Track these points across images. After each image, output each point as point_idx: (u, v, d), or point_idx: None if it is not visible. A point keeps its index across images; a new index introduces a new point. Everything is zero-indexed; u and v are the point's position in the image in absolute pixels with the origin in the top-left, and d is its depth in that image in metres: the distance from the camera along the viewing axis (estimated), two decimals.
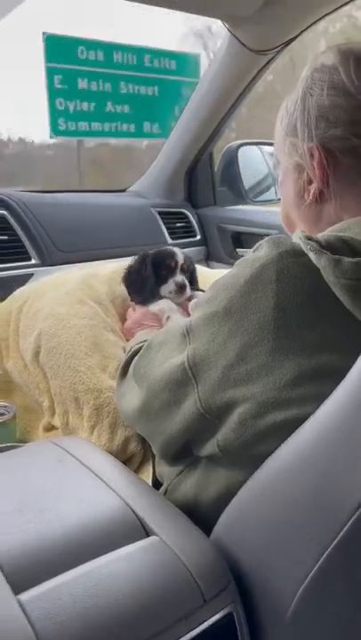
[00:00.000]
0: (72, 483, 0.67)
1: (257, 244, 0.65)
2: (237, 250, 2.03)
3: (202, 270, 1.54)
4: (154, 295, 1.14)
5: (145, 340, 0.91)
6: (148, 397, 0.70)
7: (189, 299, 1.20)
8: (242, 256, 2.31)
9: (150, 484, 0.86)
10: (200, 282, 1.31)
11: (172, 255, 1.17)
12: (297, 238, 0.62)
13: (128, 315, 1.19)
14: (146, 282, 1.14)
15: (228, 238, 2.04)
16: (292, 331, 0.58)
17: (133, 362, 0.82)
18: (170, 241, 1.95)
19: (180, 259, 1.17)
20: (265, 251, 0.61)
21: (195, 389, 0.63)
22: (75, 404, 0.99)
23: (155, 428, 0.70)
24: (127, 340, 1.14)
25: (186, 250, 1.33)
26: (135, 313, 1.17)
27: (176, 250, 1.19)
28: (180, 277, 1.15)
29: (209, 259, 2.13)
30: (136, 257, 1.20)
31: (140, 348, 0.84)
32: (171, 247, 1.22)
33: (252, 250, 0.66)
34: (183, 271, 1.17)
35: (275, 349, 0.58)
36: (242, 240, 2.03)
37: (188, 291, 1.16)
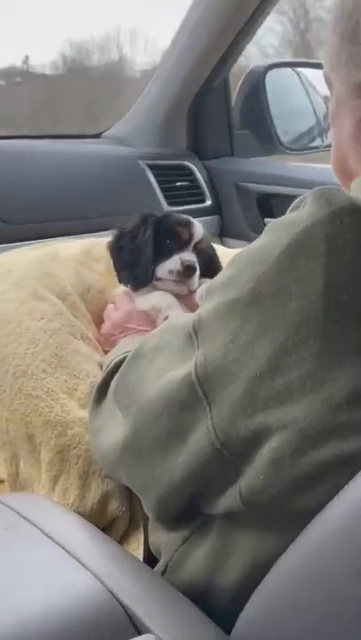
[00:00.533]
0: (28, 559, 0.68)
1: (297, 200, 0.65)
2: (266, 220, 2.03)
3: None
4: (149, 273, 1.15)
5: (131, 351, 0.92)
6: (137, 428, 0.71)
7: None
8: None
9: (142, 559, 0.86)
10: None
11: (187, 224, 1.18)
12: (357, 190, 0.62)
13: (106, 314, 1.20)
14: (141, 252, 1.15)
15: (251, 203, 2.05)
16: (349, 325, 0.58)
17: (115, 379, 0.82)
18: (167, 207, 1.96)
19: (198, 232, 1.18)
20: (310, 209, 0.62)
21: (207, 414, 0.63)
22: (28, 444, 0.99)
23: (147, 474, 0.71)
24: (105, 352, 1.15)
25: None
26: (117, 311, 1.18)
27: (193, 220, 1.20)
28: (189, 255, 1.16)
29: (224, 233, 2.14)
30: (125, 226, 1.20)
31: (123, 359, 0.84)
32: (188, 216, 1.22)
33: (289, 208, 0.66)
34: (197, 251, 1.18)
35: (324, 352, 0.58)
36: (272, 206, 2.04)
37: (197, 278, 1.17)
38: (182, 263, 1.14)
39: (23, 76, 4.98)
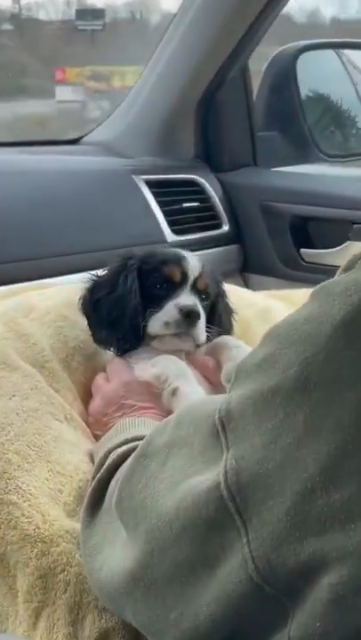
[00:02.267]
0: None
1: (351, 260, 0.67)
2: (302, 251, 2.07)
3: (232, 293, 1.56)
4: (138, 330, 1.18)
5: (134, 439, 0.93)
6: (149, 554, 0.71)
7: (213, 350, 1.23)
8: (310, 263, 2.31)
9: None
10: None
11: (178, 260, 1.21)
12: None
13: (96, 386, 1.22)
14: (124, 304, 1.18)
15: (282, 229, 2.09)
16: None
17: (115, 483, 0.83)
18: (172, 237, 2.00)
19: (193, 268, 1.21)
20: None
21: (242, 538, 0.63)
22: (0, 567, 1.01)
23: (163, 615, 0.71)
24: (95, 437, 1.16)
25: (201, 253, 1.35)
26: (110, 383, 1.20)
27: (185, 253, 1.24)
28: (187, 298, 1.19)
29: (247, 268, 2.18)
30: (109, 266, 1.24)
31: (125, 456, 0.85)
32: (176, 249, 1.26)
33: (340, 268, 0.68)
34: (198, 292, 1.21)
35: None
36: (310, 232, 2.08)
37: (203, 326, 1.19)
38: (180, 310, 1.16)
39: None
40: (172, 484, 0.71)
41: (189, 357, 1.22)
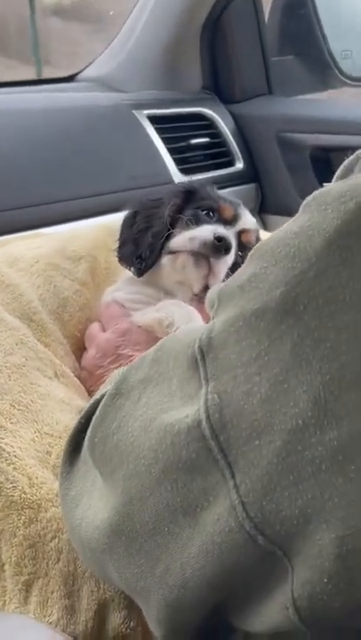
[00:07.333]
0: None
1: (347, 162, 0.65)
2: (326, 185, 2.02)
3: None
4: (155, 245, 1.20)
5: None
6: (128, 503, 0.71)
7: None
8: None
9: None
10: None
11: (237, 204, 1.26)
12: None
13: (90, 336, 1.23)
14: (155, 218, 1.21)
15: (303, 162, 2.07)
16: None
17: (91, 426, 0.82)
18: (180, 178, 1.98)
19: (247, 218, 1.25)
20: None
21: (227, 482, 0.63)
22: None
23: (147, 570, 0.70)
24: (90, 393, 1.17)
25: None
26: (105, 332, 1.20)
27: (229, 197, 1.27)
28: (227, 232, 1.19)
29: (265, 208, 2.16)
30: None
31: (100, 399, 0.84)
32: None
33: (336, 174, 0.66)
34: (240, 243, 1.23)
35: None
36: (334, 164, 2.00)
37: (225, 265, 1.19)
38: (213, 234, 1.16)
39: None
40: (147, 421, 0.70)
41: (198, 306, 1.20)
